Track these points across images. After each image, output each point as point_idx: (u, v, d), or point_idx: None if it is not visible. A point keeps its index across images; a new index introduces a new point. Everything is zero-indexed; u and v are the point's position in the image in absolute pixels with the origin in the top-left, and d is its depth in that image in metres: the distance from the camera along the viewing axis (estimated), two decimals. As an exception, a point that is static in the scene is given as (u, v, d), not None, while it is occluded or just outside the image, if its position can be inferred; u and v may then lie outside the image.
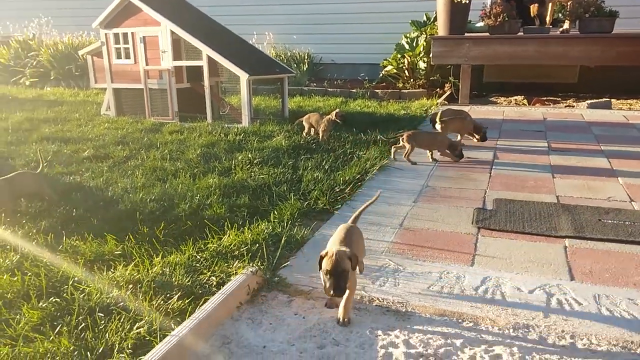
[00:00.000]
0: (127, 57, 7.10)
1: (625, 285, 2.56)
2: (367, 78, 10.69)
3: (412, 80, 9.91)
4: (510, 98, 9.32)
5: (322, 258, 2.25)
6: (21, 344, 2.07)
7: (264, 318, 2.36)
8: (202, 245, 3.02)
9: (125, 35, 7.00)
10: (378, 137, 5.86)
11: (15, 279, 2.58)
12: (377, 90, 9.70)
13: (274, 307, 2.46)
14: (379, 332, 2.20)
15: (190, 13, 7.54)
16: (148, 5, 6.72)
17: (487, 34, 8.72)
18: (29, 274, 2.62)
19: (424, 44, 9.65)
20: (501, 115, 7.62)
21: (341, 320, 2.28)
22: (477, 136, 5.60)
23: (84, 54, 7.68)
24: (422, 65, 9.79)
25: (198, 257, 2.87)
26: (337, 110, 5.84)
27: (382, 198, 4.00)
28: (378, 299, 2.49)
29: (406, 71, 9.97)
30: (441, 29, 8.79)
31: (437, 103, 8.75)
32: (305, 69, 10.89)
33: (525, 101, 9.03)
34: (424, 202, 3.89)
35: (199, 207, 3.68)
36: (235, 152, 5.31)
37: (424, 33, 9.78)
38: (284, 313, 2.39)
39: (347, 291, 2.24)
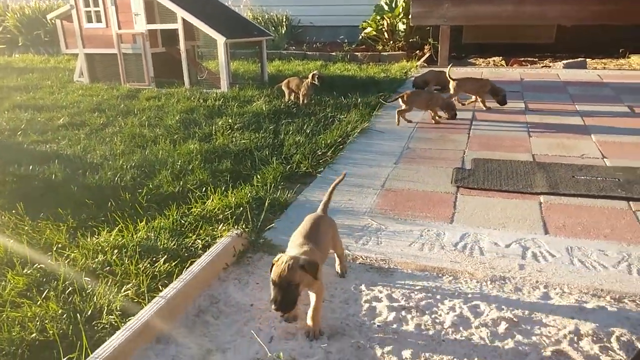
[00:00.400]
0: (99, 20, 6.88)
1: (596, 238, 2.67)
2: (346, 41, 10.57)
3: (391, 42, 9.84)
4: (488, 59, 9.35)
5: (273, 265, 1.89)
6: (8, 309, 2.09)
7: (251, 278, 2.41)
8: (186, 210, 3.03)
9: (95, -3, 6.77)
10: (359, 101, 5.85)
11: (-2, 247, 2.57)
12: (356, 53, 9.63)
13: (260, 267, 2.51)
14: (363, 288, 2.27)
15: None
16: (118, -34, 6.49)
17: (466, -6, 8.66)
18: (11, 241, 2.61)
19: (403, 4, 9.55)
20: (479, 77, 7.65)
21: (311, 333, 1.94)
22: (494, 99, 5.53)
23: (53, 18, 7.41)
24: (401, 27, 9.71)
25: (182, 221, 2.89)
26: (315, 72, 5.80)
27: (364, 160, 4.04)
28: (361, 257, 2.55)
29: (385, 33, 9.89)
30: (420, -10, 8.69)
31: (417, 65, 8.73)
32: (283, 32, 10.71)
33: (503, 62, 9.08)
34: (405, 164, 3.94)
35: (181, 172, 3.67)
36: (215, 117, 5.27)
37: (403, -7, 9.66)
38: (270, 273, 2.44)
39: (314, 299, 1.95)
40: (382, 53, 9.63)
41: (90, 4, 6.82)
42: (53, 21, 7.54)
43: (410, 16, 8.81)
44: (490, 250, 2.58)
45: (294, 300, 1.83)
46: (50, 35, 10.36)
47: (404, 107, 5.05)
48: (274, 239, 2.76)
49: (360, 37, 10.37)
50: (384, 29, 9.92)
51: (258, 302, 2.20)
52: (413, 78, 6.96)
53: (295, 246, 2.05)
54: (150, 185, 3.43)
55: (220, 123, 4.98)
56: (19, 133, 4.76)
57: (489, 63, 9.16)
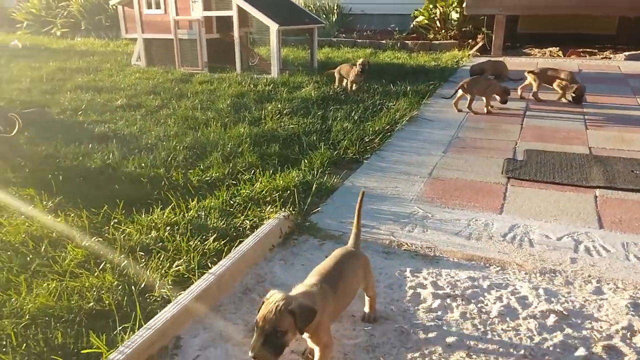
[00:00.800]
0: (158, 7, 7.08)
1: (656, 235, 2.56)
2: (397, 29, 10.42)
3: (443, 31, 9.63)
4: (544, 49, 9.00)
5: (262, 303, 1.57)
6: (68, 279, 2.21)
7: (296, 260, 2.45)
8: (235, 191, 3.11)
9: (155, -16, 6.96)
10: (408, 89, 5.78)
11: (59, 219, 2.72)
12: (407, 42, 9.49)
13: (305, 249, 2.55)
14: (408, 274, 2.27)
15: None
16: (176, -47, 6.64)
17: (525, -19, 8.35)
18: (72, 215, 2.76)
19: (458, -8, 9.31)
20: (535, 67, 7.38)
21: None
22: (571, 92, 5.25)
23: (115, 4, 7.68)
24: (454, 15, 9.48)
25: (232, 202, 2.96)
26: (362, 59, 5.76)
27: (411, 148, 4.01)
28: (406, 243, 2.55)
29: (438, 22, 9.69)
30: (476, -23, 8.45)
31: (469, 54, 8.52)
32: (334, 19, 10.67)
33: (560, 53, 8.72)
34: (454, 153, 3.88)
35: (231, 155, 3.76)
36: (265, 102, 5.34)
37: (457, -19, 9.42)
38: (315, 255, 2.48)
39: (318, 353, 1.64)
40: (433, 42, 9.45)
41: (150, -10, 7.03)
42: (114, 7, 7.82)
43: (464, 5, 8.58)
44: (541, 242, 2.52)
45: (277, 351, 1.50)
46: (111, 20, 10.75)
47: (467, 96, 4.95)
48: (320, 223, 2.79)
49: (412, 25, 10.21)
50: (436, 18, 9.72)
51: (303, 283, 2.24)
52: (466, 67, 6.80)
53: (304, 283, 1.73)
54: (202, 166, 3.53)
55: (269, 108, 5.04)
56: (79, 113, 4.99)
57: (545, 53, 8.81)
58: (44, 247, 2.44)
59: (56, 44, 10.29)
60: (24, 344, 1.80)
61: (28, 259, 2.36)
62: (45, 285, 2.11)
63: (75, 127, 4.49)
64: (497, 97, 5.00)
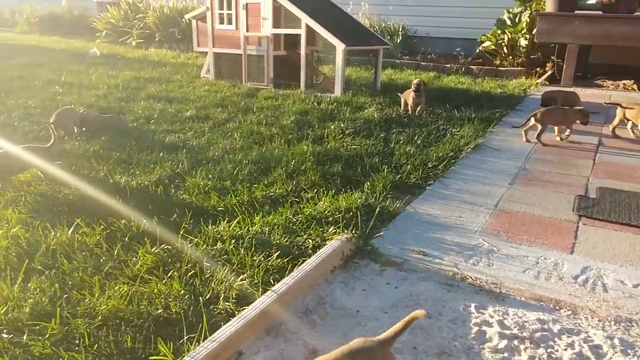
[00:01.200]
0: (230, 22, 7.34)
1: None
2: (462, 53, 10.30)
3: (510, 57, 9.43)
4: (618, 82, 8.62)
5: None
6: (138, 283, 2.29)
7: (357, 284, 2.44)
8: (298, 209, 3.14)
9: (229, 1, 7.23)
10: (472, 115, 5.69)
11: (131, 224, 2.84)
12: (472, 67, 9.35)
13: (366, 274, 2.53)
14: (472, 310, 2.21)
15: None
16: (251, -27, 6.88)
17: (600, 12, 8.07)
18: (144, 221, 2.87)
19: (527, 20, 9.11)
20: (607, 100, 7.08)
21: None
22: None
23: (189, 18, 8.03)
24: (523, 42, 9.27)
25: (294, 219, 2.99)
26: (417, 79, 5.69)
27: (476, 177, 3.92)
28: (471, 277, 2.48)
29: (505, 48, 9.50)
30: (549, 5, 8.25)
31: (537, 83, 8.29)
32: (398, 41, 10.69)
33: (635, 86, 8.32)
34: (521, 185, 3.76)
35: (294, 172, 3.81)
36: (328, 121, 5.39)
37: (528, 8, 9.23)
38: (376, 281, 2.46)
39: None
40: (499, 68, 9.27)
41: (224, 7, 7.30)
42: (188, 20, 8.17)
43: (535, 32, 8.37)
44: (616, 288, 2.38)
45: None
46: (183, 33, 11.23)
47: (539, 126, 4.82)
48: (381, 248, 2.77)
49: (478, 50, 10.05)
50: (503, 44, 9.53)
51: (364, 309, 2.22)
52: (534, 96, 6.61)
53: None
54: (266, 182, 3.60)
55: (332, 127, 5.08)
56: (151, 121, 5.22)
57: (619, 86, 8.44)
58: (116, 250, 2.55)
59: (131, 53, 10.84)
60: (96, 345, 1.88)
61: (101, 260, 2.47)
62: (117, 288, 2.20)
63: (148, 135, 4.69)
64: (578, 122, 4.85)
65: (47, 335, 1.90)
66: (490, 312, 2.20)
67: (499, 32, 9.58)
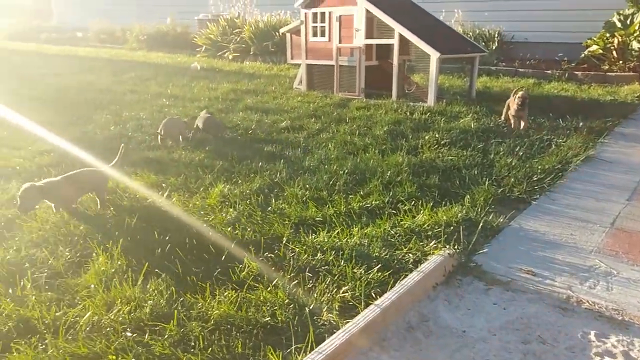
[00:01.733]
0: (323, 35, 7.47)
1: None
2: (565, 58, 9.71)
3: (620, 62, 8.73)
4: None
5: None
6: (245, 290, 2.37)
7: (461, 302, 2.36)
8: (397, 221, 3.10)
9: (323, 14, 7.36)
10: (580, 124, 5.33)
11: (237, 232, 2.95)
12: (576, 72, 8.77)
13: (470, 292, 2.44)
14: (592, 338, 2.05)
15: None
16: (345, -15, 6.96)
17: None
18: (249, 229, 2.97)
19: (641, 20, 8.40)
20: None
21: None
22: None
23: (284, 32, 8.28)
24: (635, 45, 8.55)
25: (392, 232, 2.96)
26: (522, 92, 5.29)
27: (587, 192, 3.66)
28: (588, 301, 2.30)
29: (614, 52, 8.81)
30: (667, 3, 7.55)
31: (654, 89, 7.60)
32: (494, 47, 10.29)
33: None
34: (640, 202, 3.46)
35: (390, 183, 3.77)
36: (422, 131, 5.29)
37: (642, 8, 8.52)
38: (481, 300, 2.36)
39: None
40: (607, 73, 8.61)
41: (318, 20, 7.45)
42: (282, 34, 8.42)
43: (650, 33, 7.70)
44: None
45: None
46: (276, 46, 11.60)
47: None
48: (485, 265, 2.66)
49: (583, 55, 9.41)
50: (612, 47, 8.85)
51: (470, 330, 2.14)
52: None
53: None
54: (362, 192, 3.60)
55: (426, 137, 4.98)
56: (249, 132, 5.42)
57: None
58: (224, 256, 2.66)
59: (228, 66, 11.37)
60: (209, 348, 1.96)
61: (210, 265, 2.59)
62: (226, 294, 2.30)
63: (247, 145, 4.88)
64: None
65: (165, 336, 2.01)
66: (613, 341, 2.02)
67: (607, 35, 8.92)
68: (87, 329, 2.09)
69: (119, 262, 2.56)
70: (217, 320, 2.11)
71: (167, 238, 2.84)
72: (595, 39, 9.11)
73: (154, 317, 2.13)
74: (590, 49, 9.16)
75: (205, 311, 2.18)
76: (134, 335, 2.04)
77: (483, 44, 10.27)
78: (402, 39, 6.67)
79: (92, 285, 2.36)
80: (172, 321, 2.08)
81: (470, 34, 10.53)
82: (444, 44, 6.67)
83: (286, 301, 2.27)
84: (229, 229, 2.98)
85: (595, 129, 5.19)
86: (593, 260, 2.67)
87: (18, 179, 3.82)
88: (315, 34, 7.60)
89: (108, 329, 2.08)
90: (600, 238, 2.93)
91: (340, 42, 7.27)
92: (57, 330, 2.07)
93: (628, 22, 8.67)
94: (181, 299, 2.26)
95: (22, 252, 2.69)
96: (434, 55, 6.31)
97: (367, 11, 6.84)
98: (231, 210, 3.29)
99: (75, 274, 2.52)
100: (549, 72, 8.97)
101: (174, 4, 16.67)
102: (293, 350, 1.94)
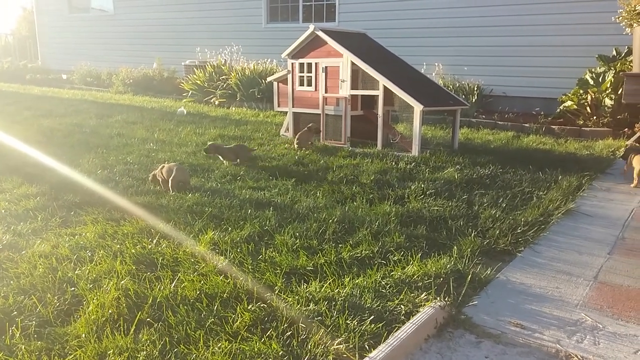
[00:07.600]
0: (309, 84, 7.68)
1: None
2: (542, 113, 10.10)
3: (594, 117, 9.12)
4: None
5: None
6: (239, 340, 2.36)
7: (454, 355, 2.37)
8: (387, 272, 3.13)
9: (309, 65, 7.59)
10: (559, 178, 5.51)
11: (228, 281, 2.95)
12: (553, 126, 9.12)
13: (462, 345, 2.46)
14: (583, 392, 2.08)
15: (368, 44, 7.92)
16: (332, 39, 7.22)
17: (695, 70, 7.71)
18: (240, 278, 2.97)
19: (612, 79, 8.86)
20: None
21: None
22: None
23: (271, 80, 8.48)
24: (608, 102, 8.98)
25: (383, 282, 2.99)
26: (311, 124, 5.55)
27: (570, 245, 3.76)
28: (577, 356, 2.35)
29: (588, 108, 9.22)
30: (636, 65, 7.99)
31: (626, 144, 7.92)
32: (473, 100, 10.67)
33: None
34: (621, 255, 3.56)
35: (379, 233, 3.82)
36: (407, 180, 5.41)
37: (612, 68, 9.00)
38: (473, 354, 2.38)
39: None
40: (582, 128, 8.97)
41: (305, 70, 7.67)
42: (268, 82, 8.61)
43: (622, 93, 8.09)
44: None
45: None
46: (262, 93, 11.83)
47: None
48: (475, 317, 2.70)
49: (558, 110, 9.82)
50: (586, 103, 9.27)
51: (464, 383, 2.15)
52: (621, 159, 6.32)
53: None
54: (351, 242, 3.64)
55: (412, 187, 5.08)
56: (238, 178, 5.47)
57: None
58: (216, 305, 2.65)
59: (215, 112, 11.51)
60: (204, 402, 1.93)
61: (202, 315, 2.57)
62: (220, 345, 2.28)
63: (235, 192, 4.91)
64: None
65: (159, 389, 1.98)
66: (604, 396, 2.06)
67: (580, 91, 9.36)
68: (77, 381, 2.04)
69: (110, 311, 2.53)
70: (211, 372, 2.09)
71: (159, 287, 2.82)
72: (569, 95, 9.54)
73: (147, 369, 2.10)
74: (565, 104, 9.57)
75: (198, 363, 2.15)
76: (127, 388, 2.00)
77: (463, 96, 10.63)
78: (387, 90, 6.89)
79: (83, 335, 2.32)
80: (165, 373, 2.06)
81: (451, 86, 10.91)
82: (427, 96, 6.92)
83: (280, 353, 2.26)
84: (220, 278, 2.98)
85: (574, 183, 5.36)
86: (579, 314, 2.73)
87: (3, 223, 3.78)
88: (302, 84, 7.80)
89: (99, 381, 2.04)
90: (584, 291, 3.00)
91: (326, 92, 7.48)
92: (46, 383, 2.02)
93: (600, 79, 9.13)
94: (174, 350, 2.24)
95: (10, 299, 2.64)
96: (418, 108, 6.52)
97: (353, 63, 7.09)
98: (222, 258, 3.29)
99: (65, 322, 2.48)
100: (527, 125, 9.31)
101: (161, 50, 16.97)
102: (289, 405, 1.92)
